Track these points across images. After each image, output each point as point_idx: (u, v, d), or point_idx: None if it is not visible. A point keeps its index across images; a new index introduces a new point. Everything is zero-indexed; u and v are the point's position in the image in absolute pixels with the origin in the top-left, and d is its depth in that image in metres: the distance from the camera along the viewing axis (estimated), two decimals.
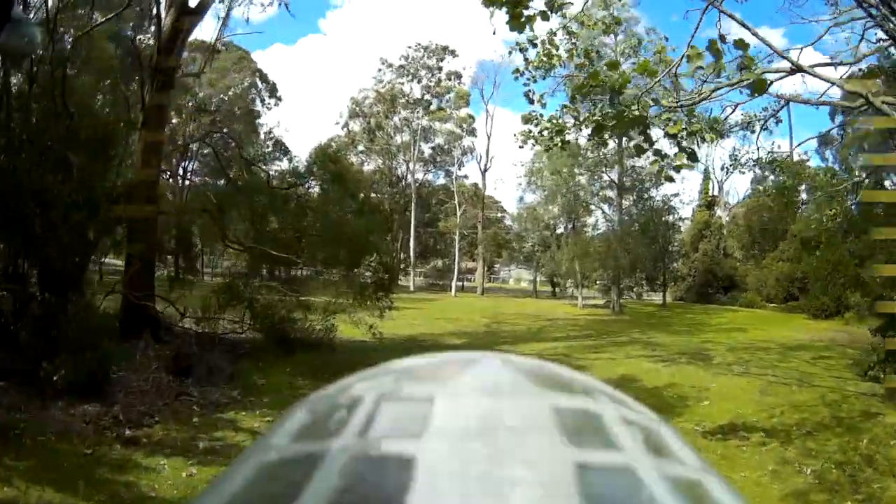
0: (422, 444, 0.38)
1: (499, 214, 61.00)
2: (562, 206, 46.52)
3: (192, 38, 17.08)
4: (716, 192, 54.23)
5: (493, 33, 29.14)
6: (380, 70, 53.03)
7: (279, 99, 46.94)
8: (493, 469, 0.36)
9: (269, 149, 33.38)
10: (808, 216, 44.13)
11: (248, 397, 11.76)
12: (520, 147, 12.62)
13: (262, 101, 45.82)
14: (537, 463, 0.37)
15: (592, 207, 47.38)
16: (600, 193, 45.68)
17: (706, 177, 51.34)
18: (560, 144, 11.96)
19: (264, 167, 16.99)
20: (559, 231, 49.83)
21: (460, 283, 52.01)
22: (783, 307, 40.85)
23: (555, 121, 11.66)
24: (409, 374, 0.52)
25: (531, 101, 12.04)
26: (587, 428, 0.43)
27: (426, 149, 53.84)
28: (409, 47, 52.42)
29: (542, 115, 11.69)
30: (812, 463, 9.23)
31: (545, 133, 11.55)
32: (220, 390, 11.93)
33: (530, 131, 11.80)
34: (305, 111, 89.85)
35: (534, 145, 12.72)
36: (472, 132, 53.60)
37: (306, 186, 17.00)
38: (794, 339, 25.51)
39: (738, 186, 77.81)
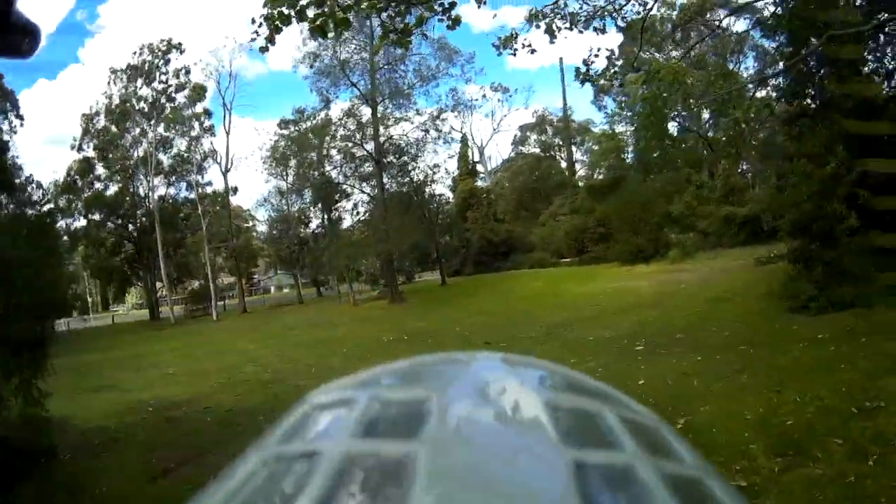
0: (420, 444, 0.38)
1: (249, 223, 55.71)
2: (313, 194, 42.05)
3: None
4: (477, 159, 52.84)
5: None
6: (108, 82, 46.18)
7: (21, 118, 39.91)
8: (492, 469, 0.36)
9: None
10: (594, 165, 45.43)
11: None
12: (262, 49, 7.36)
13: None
14: (536, 463, 0.37)
15: (349, 190, 42.69)
16: (357, 172, 41.13)
17: (464, 144, 49.10)
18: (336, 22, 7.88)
19: None
20: (315, 224, 45.96)
21: (221, 303, 46.51)
22: (580, 260, 39.37)
23: None
24: (408, 374, 0.53)
25: None
26: (586, 427, 0.43)
27: (165, 160, 47.07)
28: (134, 53, 46.00)
29: None
30: None
31: None
32: None
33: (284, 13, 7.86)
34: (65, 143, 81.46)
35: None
36: (211, 130, 47.55)
37: None
38: (639, 290, 22.83)
39: (500, 150, 78.52)
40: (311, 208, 45.11)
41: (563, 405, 0.44)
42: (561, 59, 50.83)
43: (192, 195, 46.93)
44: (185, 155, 46.81)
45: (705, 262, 26.38)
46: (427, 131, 40.92)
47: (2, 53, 1.71)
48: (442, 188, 45.07)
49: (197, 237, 46.71)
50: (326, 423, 0.43)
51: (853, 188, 13.99)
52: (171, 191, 48.27)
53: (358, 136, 39.53)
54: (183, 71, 46.00)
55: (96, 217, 45.66)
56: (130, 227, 46.75)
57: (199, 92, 46.33)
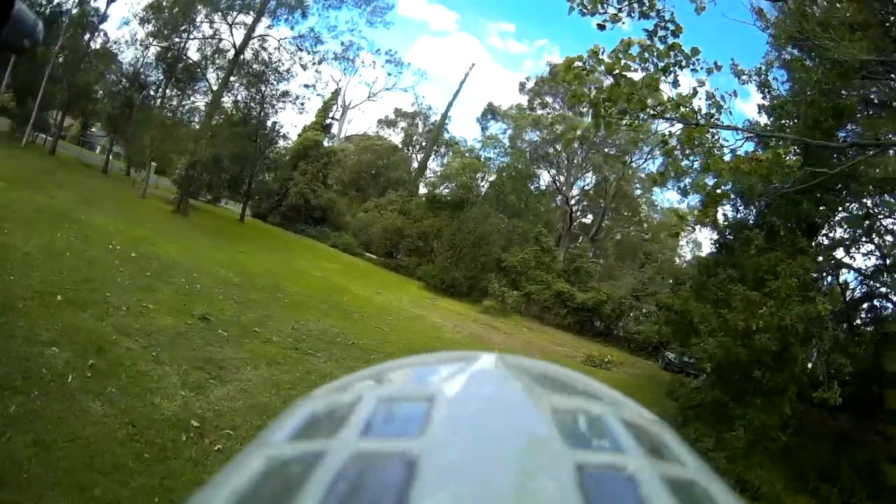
0: (422, 443, 0.39)
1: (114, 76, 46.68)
2: (165, 57, 36.26)
3: None
4: (338, 117, 50.15)
5: None
6: None
7: None
8: (494, 469, 0.37)
9: None
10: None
11: None
12: None
13: None
14: (539, 464, 0.38)
15: (199, 75, 37.03)
16: (215, 57, 36.10)
17: (334, 96, 45.42)
18: None
19: None
20: (151, 94, 39.23)
21: (45, 137, 39.77)
22: (385, 262, 37.54)
23: None
24: (409, 374, 0.55)
25: None
26: (588, 429, 0.44)
27: None
28: None
29: None
30: None
31: None
32: None
33: None
34: None
35: None
36: None
37: None
38: (442, 333, 21.24)
39: (366, 118, 75.22)
40: (155, 72, 38.52)
41: (565, 407, 0.44)
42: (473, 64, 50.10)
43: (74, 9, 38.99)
44: None
45: (521, 328, 24.20)
46: (305, 50, 36.93)
47: (5, 47, 1.79)
48: (288, 125, 41.14)
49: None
50: (331, 423, 0.43)
51: (838, 350, 11.37)
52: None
53: (234, 17, 34.89)
54: None
55: None
56: None
57: None
